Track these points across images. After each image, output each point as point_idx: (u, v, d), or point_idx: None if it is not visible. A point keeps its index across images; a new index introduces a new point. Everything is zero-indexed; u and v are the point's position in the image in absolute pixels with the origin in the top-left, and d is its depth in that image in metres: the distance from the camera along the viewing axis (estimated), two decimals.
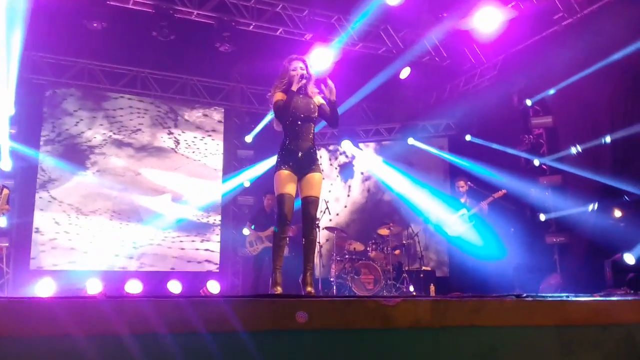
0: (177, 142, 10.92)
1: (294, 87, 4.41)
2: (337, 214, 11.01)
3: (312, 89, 4.59)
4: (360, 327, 2.36)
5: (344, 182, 11.57)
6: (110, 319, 2.00)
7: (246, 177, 11.01)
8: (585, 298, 2.83)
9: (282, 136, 4.52)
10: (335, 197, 11.30)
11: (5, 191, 7.46)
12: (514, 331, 2.53)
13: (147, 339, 2.03)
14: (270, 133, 9.97)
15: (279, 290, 4.26)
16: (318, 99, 4.59)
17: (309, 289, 4.29)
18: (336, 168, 11.63)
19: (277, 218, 4.39)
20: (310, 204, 4.42)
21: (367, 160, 11.51)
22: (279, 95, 4.44)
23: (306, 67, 4.57)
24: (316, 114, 4.52)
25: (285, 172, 4.36)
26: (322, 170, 4.63)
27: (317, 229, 4.92)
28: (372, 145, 11.65)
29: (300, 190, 4.43)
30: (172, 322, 2.07)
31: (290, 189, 4.35)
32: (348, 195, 11.46)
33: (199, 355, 2.08)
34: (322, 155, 11.41)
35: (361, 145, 11.56)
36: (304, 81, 4.47)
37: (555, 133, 8.88)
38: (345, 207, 11.37)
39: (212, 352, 2.07)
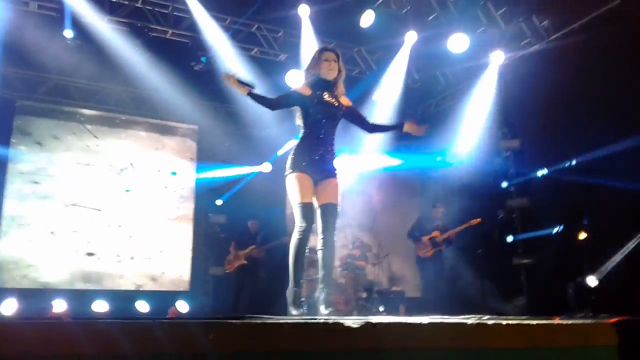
0: (148, 160, 10.82)
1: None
2: None
3: (340, 87, 4.22)
4: (323, 350, 2.37)
5: None
6: (76, 341, 1.97)
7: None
8: (539, 321, 2.89)
9: (300, 133, 4.15)
10: None
11: None
12: (474, 355, 2.56)
13: None
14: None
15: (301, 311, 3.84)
16: (346, 100, 4.25)
17: (326, 309, 3.83)
18: None
19: (301, 231, 3.90)
20: (329, 212, 4.00)
21: None
22: (302, 88, 4.09)
23: (338, 59, 4.17)
24: (341, 114, 4.16)
25: (302, 176, 3.95)
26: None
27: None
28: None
29: (317, 197, 4.03)
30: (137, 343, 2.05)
31: (309, 196, 3.95)
32: None
33: None
34: None
35: None
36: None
37: (522, 156, 9.04)
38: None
39: None
